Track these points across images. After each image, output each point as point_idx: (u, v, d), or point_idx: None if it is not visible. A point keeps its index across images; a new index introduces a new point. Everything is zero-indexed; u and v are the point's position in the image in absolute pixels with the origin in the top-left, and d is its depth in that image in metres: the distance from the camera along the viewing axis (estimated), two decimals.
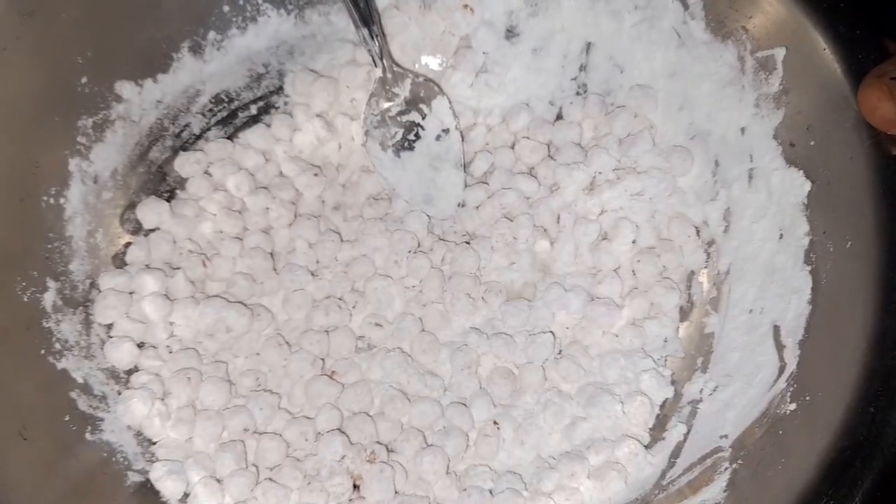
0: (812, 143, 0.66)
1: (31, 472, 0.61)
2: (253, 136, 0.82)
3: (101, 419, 0.68)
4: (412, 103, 0.78)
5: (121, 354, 0.72)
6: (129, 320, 0.73)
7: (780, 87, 0.69)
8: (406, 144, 0.79)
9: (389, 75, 0.76)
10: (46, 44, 0.68)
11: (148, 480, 0.67)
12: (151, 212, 0.77)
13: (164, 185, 0.80)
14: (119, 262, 0.76)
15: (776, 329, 0.66)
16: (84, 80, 0.72)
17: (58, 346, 0.68)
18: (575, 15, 0.81)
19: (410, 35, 0.83)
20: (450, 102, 0.79)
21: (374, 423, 0.71)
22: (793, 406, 0.61)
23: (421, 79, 0.79)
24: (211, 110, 0.83)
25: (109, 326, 0.73)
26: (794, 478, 0.55)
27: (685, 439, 0.69)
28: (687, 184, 0.78)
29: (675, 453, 0.68)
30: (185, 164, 0.80)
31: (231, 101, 0.83)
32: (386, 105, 0.78)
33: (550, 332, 0.75)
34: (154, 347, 0.74)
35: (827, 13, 0.65)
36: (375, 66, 0.75)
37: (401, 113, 0.78)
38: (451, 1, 0.81)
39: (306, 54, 0.85)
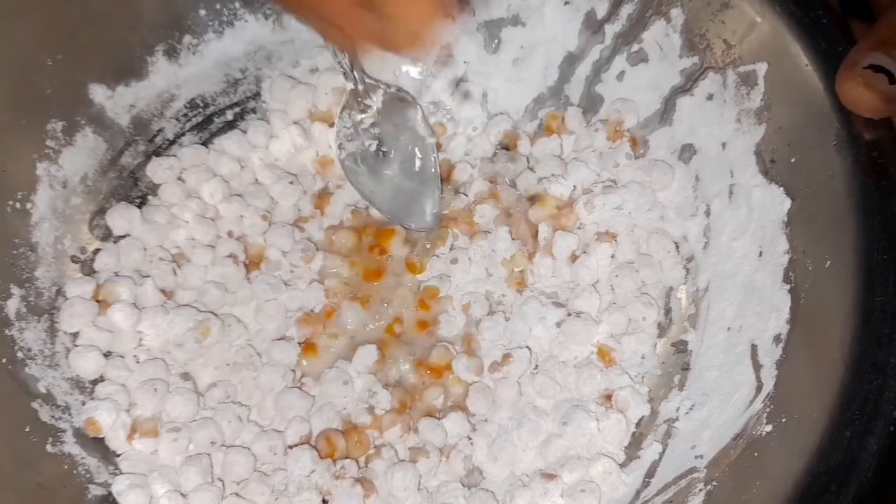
0: (793, 159, 0.66)
1: None
2: (228, 143, 0.81)
3: (64, 430, 0.66)
4: (385, 114, 0.77)
5: (86, 363, 0.70)
6: (95, 329, 0.71)
7: (762, 103, 0.68)
8: (380, 156, 0.78)
9: (361, 87, 0.75)
10: (13, 44, 0.67)
11: (110, 494, 0.65)
12: (122, 218, 0.76)
13: (135, 190, 0.78)
14: (87, 268, 0.74)
15: (754, 348, 0.65)
16: (54, 82, 0.70)
17: (20, 354, 0.66)
18: (557, 26, 0.80)
19: None
20: (423, 113, 0.78)
21: (345, 437, 0.70)
22: (769, 427, 0.60)
23: (393, 89, 0.77)
24: (185, 115, 0.81)
25: (75, 335, 0.71)
26: (770, 502, 0.54)
27: (660, 458, 0.68)
28: (667, 198, 0.77)
29: (650, 473, 0.67)
30: (157, 170, 0.78)
31: (206, 106, 0.82)
32: (359, 117, 0.77)
33: (527, 346, 0.74)
34: (121, 357, 0.72)
35: (809, 28, 0.64)
36: (346, 78, 0.74)
37: (374, 124, 0.77)
38: None
39: (284, 60, 0.83)
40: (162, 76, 0.78)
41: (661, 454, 0.68)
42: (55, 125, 0.71)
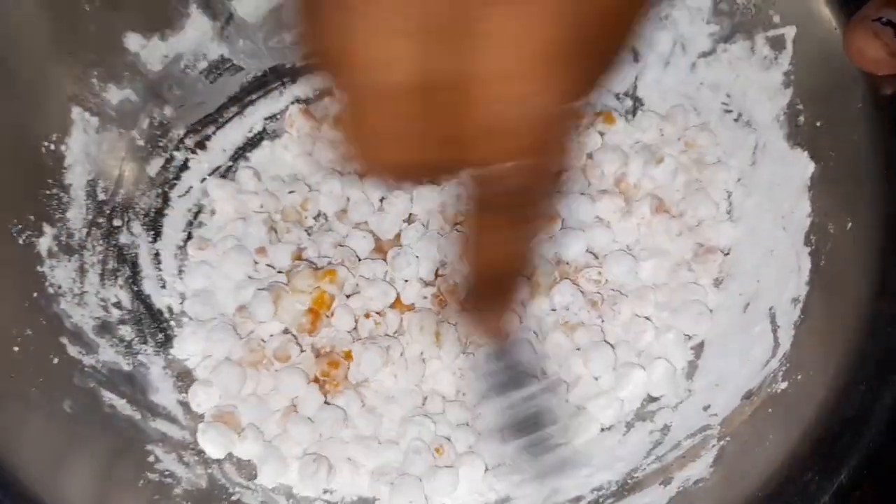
0: (818, 123, 0.66)
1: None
2: None
3: (89, 366, 0.67)
4: None
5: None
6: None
7: (790, 67, 0.68)
8: None
9: None
10: None
11: (134, 427, 0.67)
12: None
13: (164, 141, 0.79)
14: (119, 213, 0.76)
15: (772, 309, 0.65)
16: (91, 28, 0.72)
17: (51, 290, 0.68)
18: None
19: None
20: None
21: None
22: (784, 385, 0.60)
23: None
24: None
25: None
26: (782, 453, 0.55)
27: (673, 417, 0.68)
28: None
29: (665, 430, 0.68)
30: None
31: None
32: None
33: None
34: None
35: None
36: None
37: None
38: None
39: None
40: (196, 29, 0.79)
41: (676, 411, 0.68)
42: (91, 71, 0.73)
